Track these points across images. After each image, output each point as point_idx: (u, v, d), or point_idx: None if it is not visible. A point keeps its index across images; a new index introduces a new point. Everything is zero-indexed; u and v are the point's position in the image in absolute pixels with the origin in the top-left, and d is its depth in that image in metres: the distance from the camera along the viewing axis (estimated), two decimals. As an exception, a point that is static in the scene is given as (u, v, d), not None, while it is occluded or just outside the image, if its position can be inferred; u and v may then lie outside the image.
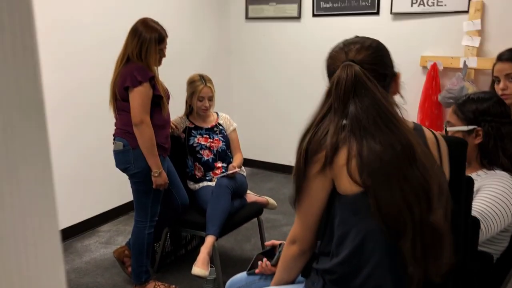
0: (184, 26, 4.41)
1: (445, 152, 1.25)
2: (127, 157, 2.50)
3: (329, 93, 1.22)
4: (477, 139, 1.69)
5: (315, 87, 4.62)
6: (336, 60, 1.25)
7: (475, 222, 1.35)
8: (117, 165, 2.58)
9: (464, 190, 1.27)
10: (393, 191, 1.09)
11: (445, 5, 3.83)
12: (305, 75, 4.64)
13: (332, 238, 1.24)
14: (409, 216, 1.09)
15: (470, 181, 1.32)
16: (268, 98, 4.92)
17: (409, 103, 4.65)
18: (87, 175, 3.62)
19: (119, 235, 3.58)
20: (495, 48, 3.71)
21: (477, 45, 3.69)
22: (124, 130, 2.50)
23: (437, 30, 3.90)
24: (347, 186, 1.15)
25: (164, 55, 2.55)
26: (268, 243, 1.80)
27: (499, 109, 1.68)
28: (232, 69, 5.04)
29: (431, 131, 1.29)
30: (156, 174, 2.48)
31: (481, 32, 3.70)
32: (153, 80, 2.43)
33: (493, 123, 1.66)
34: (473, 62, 3.68)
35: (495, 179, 1.60)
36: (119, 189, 3.79)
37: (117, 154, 2.54)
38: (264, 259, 1.65)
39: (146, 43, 2.42)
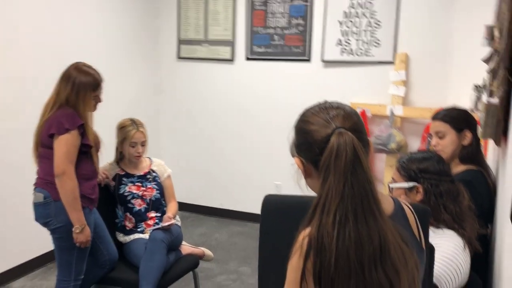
0: (114, 64, 4.23)
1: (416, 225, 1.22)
2: (48, 210, 2.27)
3: (326, 167, 1.06)
4: (418, 196, 1.73)
5: (247, 128, 4.62)
6: (322, 126, 1.10)
7: (434, 289, 1.34)
8: (37, 219, 2.33)
9: (428, 258, 1.25)
10: None
11: (373, 55, 4.01)
12: (238, 116, 4.61)
13: None
14: None
15: (433, 249, 1.31)
16: (199, 139, 4.82)
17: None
18: (-1, 225, 3.25)
19: (35, 292, 3.22)
20: (419, 97, 3.93)
21: (402, 94, 3.88)
22: (45, 180, 2.27)
23: (365, 78, 4.07)
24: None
25: (99, 100, 2.39)
26: None
27: (438, 168, 1.74)
28: (162, 108, 4.89)
29: (408, 206, 1.25)
30: (77, 230, 2.26)
31: (406, 82, 3.90)
32: (82, 128, 2.26)
33: (432, 180, 1.72)
34: (399, 111, 3.86)
35: (444, 240, 1.61)
36: (34, 239, 3.46)
37: (36, 206, 2.30)
38: None
39: (81, 89, 2.25)
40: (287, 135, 1.24)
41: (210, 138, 4.77)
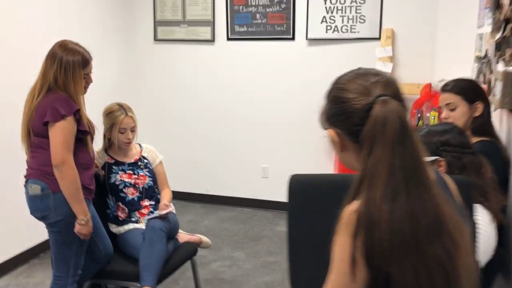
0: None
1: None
2: (47, 203, 2.11)
3: (371, 138, 0.98)
4: (440, 170, 1.67)
5: (231, 111, 4.50)
6: (361, 93, 1.02)
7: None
8: (33, 213, 2.17)
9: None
10: (405, 269, 0.93)
11: (358, 32, 3.95)
12: (220, 99, 4.48)
13: None
14: None
15: (474, 225, 1.26)
16: (180, 123, 4.66)
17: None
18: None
19: (21, 290, 3.05)
20: (406, 73, 3.90)
21: (389, 70, 3.83)
22: (41, 171, 2.11)
23: (351, 56, 4.01)
24: None
25: (90, 81, 2.23)
26: None
27: (459, 140, 1.69)
28: (140, 93, 4.69)
29: (447, 176, 1.18)
30: (83, 222, 2.12)
31: (392, 58, 3.86)
32: (78, 114, 2.10)
33: (454, 153, 1.66)
34: (387, 87, 3.81)
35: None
36: (16, 235, 3.28)
37: (33, 199, 2.14)
38: None
39: (69, 68, 2.08)
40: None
41: (192, 122, 4.62)
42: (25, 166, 2.21)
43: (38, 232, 3.44)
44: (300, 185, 1.38)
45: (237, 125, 4.47)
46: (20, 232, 3.31)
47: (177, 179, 4.71)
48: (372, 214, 0.94)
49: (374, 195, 0.95)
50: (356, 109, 1.01)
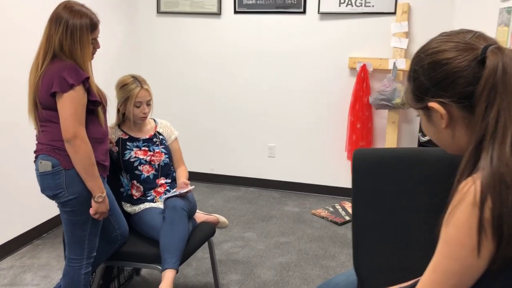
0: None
1: None
2: (58, 180, 1.96)
3: (489, 90, 0.89)
4: None
5: (237, 88, 4.35)
6: (463, 50, 0.93)
7: None
8: (44, 191, 2.01)
9: None
10: None
11: (373, 6, 3.81)
12: (226, 75, 4.32)
13: None
14: None
15: None
16: (183, 101, 4.50)
17: (339, 105, 4.50)
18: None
19: (26, 272, 2.90)
20: (422, 50, 3.78)
21: (405, 46, 3.72)
22: (52, 147, 1.95)
23: (365, 31, 3.87)
24: None
25: (98, 46, 2.05)
26: None
27: None
28: (142, 69, 4.50)
29: None
30: (100, 199, 1.99)
31: (408, 34, 3.74)
32: (87, 83, 1.93)
33: None
34: (401, 64, 3.70)
35: None
36: (17, 216, 3.13)
37: (44, 177, 1.98)
38: None
39: (76, 32, 1.91)
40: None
41: (196, 99, 4.46)
42: (34, 142, 2.05)
43: (40, 213, 3.31)
44: (365, 159, 1.26)
45: (243, 103, 4.33)
46: (21, 212, 3.17)
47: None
48: (504, 174, 0.84)
49: (502, 151, 0.86)
50: (463, 67, 0.93)
